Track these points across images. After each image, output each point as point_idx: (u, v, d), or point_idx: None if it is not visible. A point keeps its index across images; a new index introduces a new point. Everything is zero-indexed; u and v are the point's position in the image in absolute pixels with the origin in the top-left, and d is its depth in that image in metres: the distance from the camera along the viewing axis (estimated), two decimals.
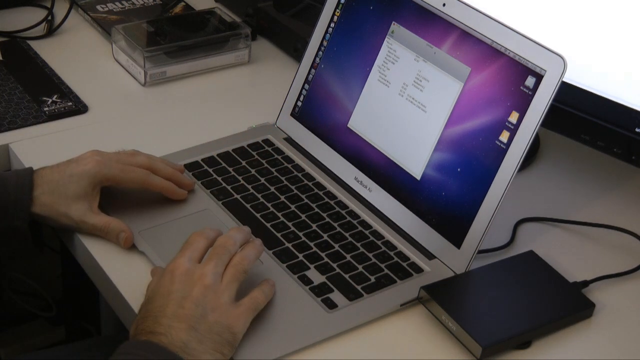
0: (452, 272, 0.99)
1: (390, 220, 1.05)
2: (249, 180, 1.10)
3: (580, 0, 1.05)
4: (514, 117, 0.95)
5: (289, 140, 1.18)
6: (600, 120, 1.07)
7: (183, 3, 1.51)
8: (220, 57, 1.36)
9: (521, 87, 0.95)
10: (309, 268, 0.98)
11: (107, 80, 1.32)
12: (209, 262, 0.89)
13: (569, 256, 1.05)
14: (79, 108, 1.24)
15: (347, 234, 1.03)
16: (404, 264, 1.00)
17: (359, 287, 0.96)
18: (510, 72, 0.96)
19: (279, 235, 1.02)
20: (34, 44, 1.38)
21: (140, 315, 0.86)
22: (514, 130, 0.95)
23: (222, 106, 1.28)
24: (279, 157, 1.15)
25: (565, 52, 0.93)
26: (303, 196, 1.08)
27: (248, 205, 1.06)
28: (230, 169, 1.12)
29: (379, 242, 1.02)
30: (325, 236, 1.02)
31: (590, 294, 0.99)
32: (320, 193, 1.09)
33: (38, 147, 1.16)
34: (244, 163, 1.13)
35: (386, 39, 1.08)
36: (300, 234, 1.02)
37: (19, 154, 1.14)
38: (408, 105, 1.05)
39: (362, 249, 1.01)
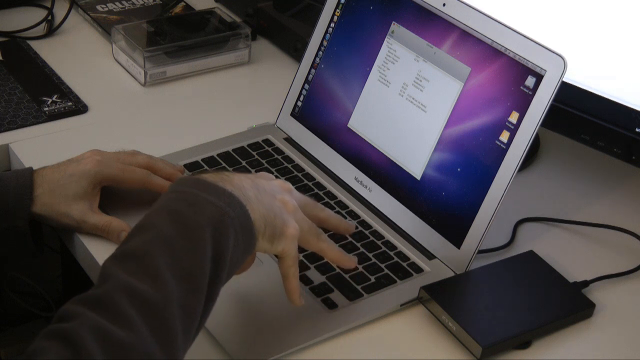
0: (452, 272, 0.99)
1: (390, 220, 1.05)
2: None
3: (580, 0, 1.05)
4: (514, 117, 0.95)
5: (289, 140, 1.18)
6: (600, 120, 1.07)
7: (183, 3, 1.51)
8: (220, 57, 1.36)
9: (521, 87, 0.95)
10: (309, 268, 0.98)
11: (107, 80, 1.32)
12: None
13: (569, 256, 1.05)
14: (79, 108, 1.24)
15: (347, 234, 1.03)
16: (404, 264, 1.00)
17: (359, 287, 0.96)
18: (510, 72, 0.96)
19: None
20: (34, 44, 1.38)
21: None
22: (514, 130, 0.95)
23: (222, 106, 1.28)
24: (279, 157, 1.15)
25: (565, 52, 0.93)
26: None
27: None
28: (231, 169, 1.12)
29: (379, 242, 1.02)
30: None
31: (590, 294, 0.99)
32: (321, 193, 1.09)
33: (38, 147, 1.16)
34: (244, 163, 1.13)
35: (386, 38, 1.08)
36: None
37: (19, 154, 1.14)
38: (408, 105, 1.05)
39: (362, 249, 1.01)
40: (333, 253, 0.91)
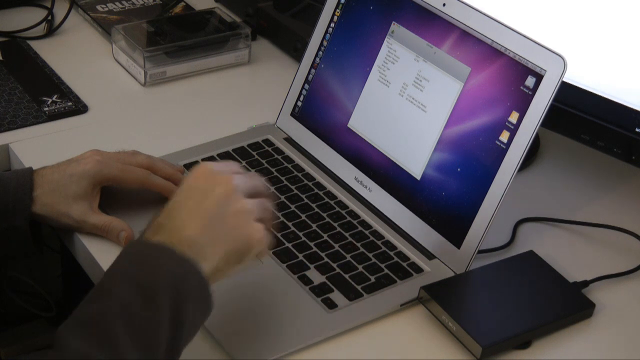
0: (452, 272, 0.99)
1: (390, 220, 1.05)
2: None
3: (580, 0, 1.05)
4: (514, 117, 0.95)
5: (289, 140, 1.18)
6: (600, 120, 1.07)
7: (183, 3, 1.51)
8: (220, 57, 1.36)
9: (521, 87, 0.95)
10: (309, 268, 0.98)
11: (107, 80, 1.32)
12: (237, 175, 0.85)
13: (569, 256, 1.05)
14: (79, 108, 1.24)
15: (347, 234, 1.03)
16: (404, 264, 1.00)
17: (359, 287, 0.96)
18: (510, 72, 0.96)
19: (279, 235, 1.02)
20: (34, 44, 1.38)
21: (159, 212, 0.84)
22: (514, 130, 0.95)
23: (222, 106, 1.28)
24: (279, 157, 1.15)
25: (565, 52, 0.93)
26: (303, 196, 1.08)
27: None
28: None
29: (379, 242, 1.02)
30: (325, 236, 1.02)
31: (590, 294, 0.99)
32: (320, 193, 1.09)
33: (38, 147, 1.16)
34: (244, 163, 1.13)
35: (386, 38, 1.08)
36: (300, 234, 1.02)
37: (19, 154, 1.14)
38: (408, 105, 1.05)
39: (362, 249, 1.01)
40: None
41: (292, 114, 1.19)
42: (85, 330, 0.74)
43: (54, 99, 1.25)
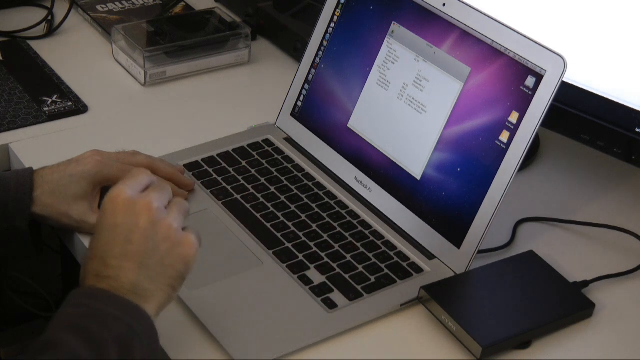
0: (452, 272, 0.99)
1: (390, 220, 1.05)
2: (249, 180, 1.10)
3: (580, 0, 1.05)
4: (514, 117, 0.95)
5: (289, 140, 1.18)
6: (600, 120, 1.07)
7: (183, 3, 1.51)
8: (220, 57, 1.36)
9: (521, 87, 0.95)
10: (309, 268, 0.98)
11: (107, 80, 1.32)
12: (151, 191, 0.83)
13: (569, 256, 1.05)
14: (79, 108, 1.24)
15: (347, 234, 1.03)
16: (404, 264, 1.00)
17: (359, 287, 0.96)
18: (510, 72, 0.96)
19: (279, 235, 1.02)
20: (34, 44, 1.38)
21: (89, 254, 0.82)
22: (514, 130, 0.95)
23: (222, 106, 1.28)
24: (279, 157, 1.15)
25: (565, 52, 0.93)
26: (303, 196, 1.08)
27: (248, 205, 1.06)
28: (230, 169, 1.12)
29: (379, 242, 1.02)
30: (325, 236, 1.02)
31: (590, 294, 0.99)
32: (320, 193, 1.09)
33: (38, 147, 1.16)
34: (244, 163, 1.13)
35: (386, 38, 1.08)
36: (300, 234, 1.02)
37: (19, 154, 1.14)
38: (408, 105, 1.05)
39: (362, 249, 1.01)
40: None
41: (292, 114, 1.19)
42: None
43: (54, 99, 1.25)
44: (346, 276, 0.97)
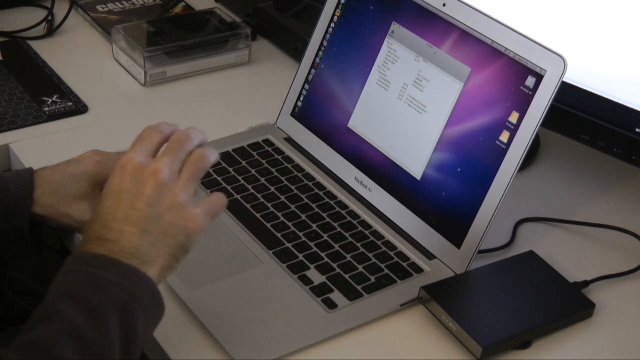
0: (452, 272, 0.99)
1: (390, 220, 1.05)
2: (249, 180, 1.10)
3: (581, 1, 1.05)
4: (514, 117, 0.95)
5: (289, 140, 1.18)
6: (600, 120, 1.07)
7: (183, 3, 1.51)
8: (220, 57, 1.36)
9: (521, 87, 0.95)
10: (309, 268, 0.98)
11: (107, 80, 1.32)
12: (163, 157, 0.82)
13: (569, 256, 1.05)
14: (79, 108, 1.24)
15: (347, 234, 1.03)
16: (404, 264, 1.00)
17: (359, 287, 0.96)
18: (510, 72, 0.96)
19: (279, 235, 1.02)
20: (34, 44, 1.38)
21: (91, 217, 0.81)
22: (514, 130, 0.95)
23: (222, 106, 1.28)
24: (279, 157, 1.15)
25: (565, 52, 0.93)
26: (303, 196, 1.08)
27: (248, 205, 1.06)
28: (230, 169, 1.12)
29: (379, 242, 1.02)
30: (325, 236, 1.02)
31: (590, 294, 0.99)
32: (320, 193, 1.09)
33: (38, 147, 1.16)
34: (244, 163, 1.13)
35: (386, 38, 1.08)
36: (300, 234, 1.02)
37: (19, 154, 1.14)
38: (408, 105, 1.05)
39: (362, 249, 1.01)
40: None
41: (292, 114, 1.19)
42: (33, 353, 0.72)
43: (54, 99, 1.25)
44: (346, 276, 0.97)
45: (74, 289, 0.77)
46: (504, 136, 0.96)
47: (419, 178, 1.03)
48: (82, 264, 0.78)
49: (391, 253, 1.01)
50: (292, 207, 1.06)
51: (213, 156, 0.85)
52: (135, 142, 0.84)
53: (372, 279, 0.97)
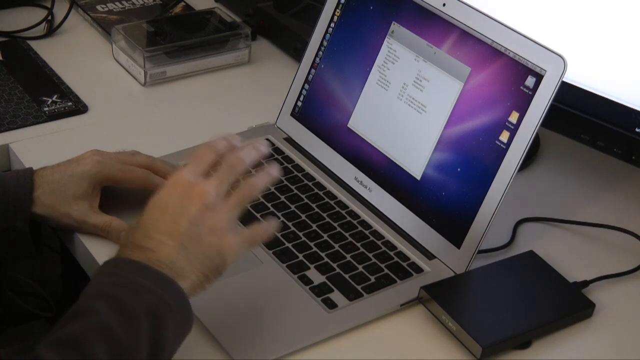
0: (452, 272, 0.99)
1: (390, 220, 1.05)
2: None
3: (581, 1, 1.05)
4: (514, 117, 0.95)
5: (289, 140, 1.18)
6: (600, 120, 1.07)
7: (183, 3, 1.51)
8: (220, 57, 1.36)
9: (521, 87, 0.95)
10: (309, 268, 0.98)
11: (107, 80, 1.32)
12: (213, 179, 0.84)
13: (569, 256, 1.05)
14: (79, 108, 1.24)
15: (347, 234, 1.03)
16: (404, 264, 1.00)
17: (359, 287, 0.96)
18: (510, 72, 0.96)
19: (279, 235, 1.02)
20: (34, 44, 1.38)
21: (133, 225, 0.83)
22: (514, 130, 0.95)
23: (222, 106, 1.28)
24: (279, 157, 1.15)
25: (566, 52, 0.93)
26: (303, 196, 1.08)
27: (248, 205, 1.06)
28: None
29: (379, 242, 1.02)
30: (325, 236, 1.02)
31: (590, 294, 0.99)
32: (320, 193, 1.09)
33: (38, 147, 1.16)
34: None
35: (386, 38, 1.08)
36: (300, 234, 1.02)
37: (19, 154, 1.14)
38: (408, 105, 1.05)
39: (362, 249, 1.01)
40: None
41: (292, 114, 1.19)
42: (65, 348, 0.73)
43: (54, 99, 1.25)
44: (346, 276, 0.97)
45: (108, 290, 0.78)
46: (504, 136, 0.96)
47: (419, 178, 1.03)
48: (118, 268, 0.80)
49: (391, 253, 1.01)
50: (292, 207, 1.06)
51: (264, 179, 0.87)
52: (190, 159, 0.86)
53: (372, 279, 0.97)
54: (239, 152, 0.87)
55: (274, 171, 0.88)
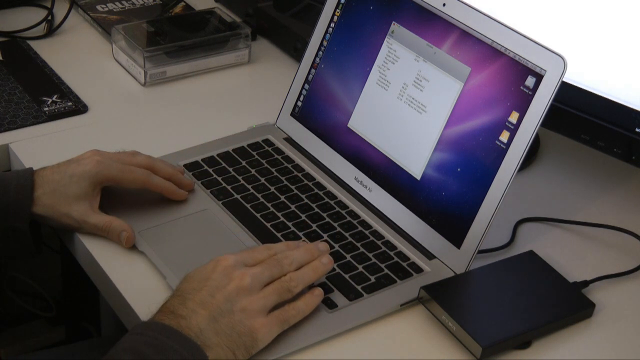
0: (452, 272, 0.99)
1: (390, 220, 1.05)
2: (249, 180, 1.10)
3: (581, 1, 1.05)
4: (514, 117, 0.95)
5: (289, 140, 1.18)
6: (600, 120, 1.07)
7: (183, 3, 1.51)
8: (220, 57, 1.36)
9: (521, 87, 0.95)
10: None
11: (107, 80, 1.32)
12: (256, 267, 0.89)
13: (569, 256, 1.05)
14: (79, 108, 1.24)
15: (347, 234, 1.03)
16: (404, 264, 1.00)
17: (359, 287, 0.96)
18: (510, 72, 0.96)
19: (279, 235, 1.02)
20: (34, 44, 1.38)
21: (174, 292, 0.87)
22: (514, 130, 0.95)
23: (222, 106, 1.28)
24: (279, 157, 1.15)
25: (566, 52, 0.93)
26: (303, 196, 1.08)
27: (248, 205, 1.06)
28: (230, 169, 1.12)
29: (379, 242, 1.02)
30: (325, 236, 1.02)
31: (590, 294, 0.99)
32: (320, 193, 1.09)
33: (38, 147, 1.16)
34: (244, 163, 1.13)
35: (386, 38, 1.08)
36: (301, 234, 1.02)
37: (19, 154, 1.14)
38: (408, 105, 1.05)
39: (362, 249, 1.01)
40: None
41: (292, 114, 1.19)
42: None
43: (54, 99, 1.25)
44: (346, 276, 0.97)
45: (137, 347, 0.81)
46: (504, 136, 0.96)
47: (419, 178, 1.03)
48: (149, 329, 0.82)
49: (391, 253, 1.01)
50: (292, 207, 1.06)
51: (310, 275, 0.91)
52: (241, 252, 0.91)
53: (372, 279, 0.97)
54: (294, 252, 0.92)
55: (322, 266, 0.93)
